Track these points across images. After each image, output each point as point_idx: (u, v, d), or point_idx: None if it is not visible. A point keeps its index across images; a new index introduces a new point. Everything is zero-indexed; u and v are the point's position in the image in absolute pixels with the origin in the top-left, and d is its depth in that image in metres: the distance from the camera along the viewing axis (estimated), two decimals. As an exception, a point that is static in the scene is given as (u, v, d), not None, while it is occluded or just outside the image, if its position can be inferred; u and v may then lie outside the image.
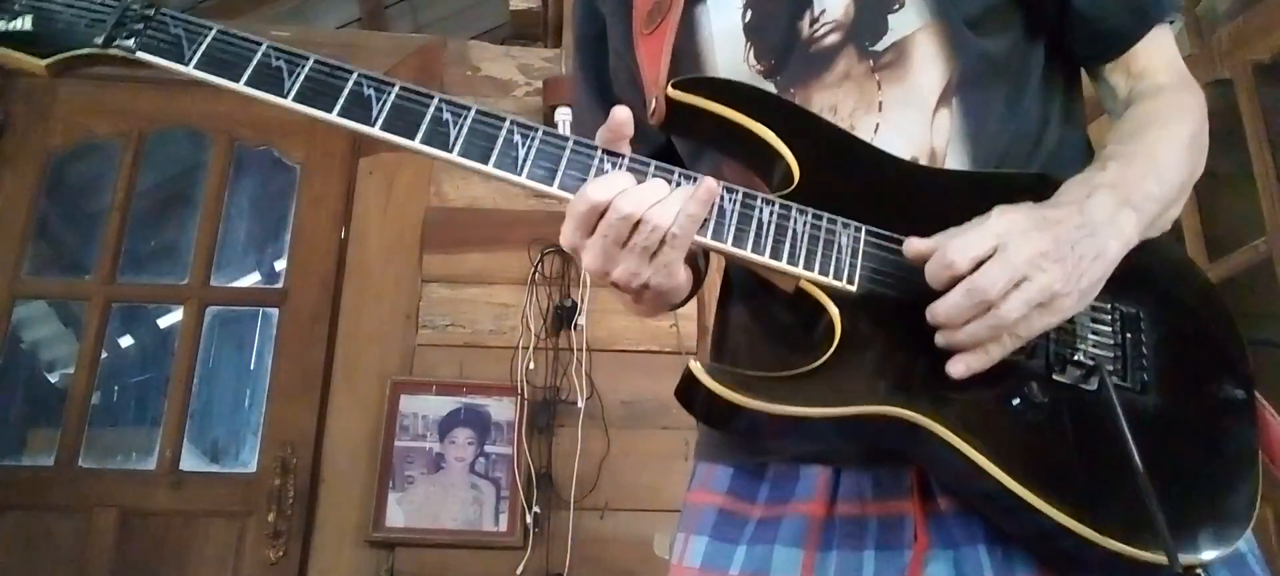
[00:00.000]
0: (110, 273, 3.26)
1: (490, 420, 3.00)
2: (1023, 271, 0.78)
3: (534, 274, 3.14)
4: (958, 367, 0.81)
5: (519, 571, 2.84)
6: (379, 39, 3.83)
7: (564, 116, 3.14)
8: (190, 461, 3.24)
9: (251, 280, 4.56)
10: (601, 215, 0.81)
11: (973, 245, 0.79)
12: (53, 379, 5.12)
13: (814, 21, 0.99)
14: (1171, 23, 1.04)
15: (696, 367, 0.80)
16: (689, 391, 0.81)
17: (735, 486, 0.99)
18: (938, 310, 0.80)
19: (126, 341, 4.94)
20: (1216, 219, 2.79)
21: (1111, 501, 0.79)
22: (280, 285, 3.33)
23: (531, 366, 3.05)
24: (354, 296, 3.18)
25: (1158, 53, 1.02)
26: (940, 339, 0.82)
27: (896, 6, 0.97)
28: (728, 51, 1.02)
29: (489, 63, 3.51)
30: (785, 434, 0.86)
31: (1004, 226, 0.80)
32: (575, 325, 3.10)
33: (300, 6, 4.34)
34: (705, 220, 0.84)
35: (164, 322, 4.81)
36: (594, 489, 2.95)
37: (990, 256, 0.79)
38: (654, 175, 0.84)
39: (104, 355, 3.32)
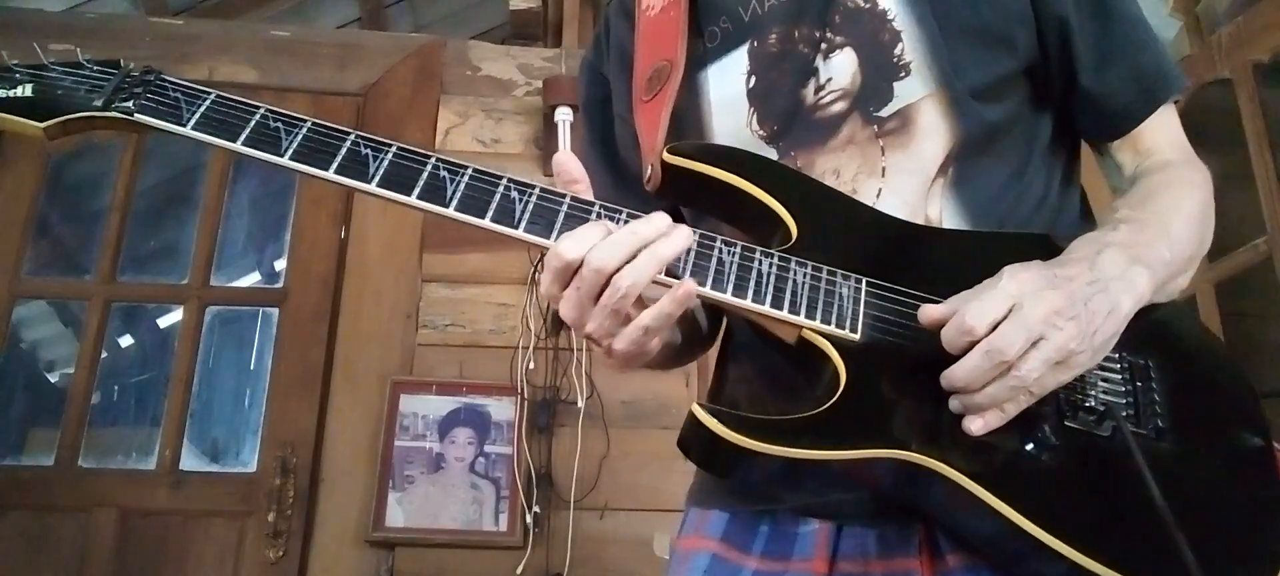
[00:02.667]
0: (110, 272, 3.26)
1: (490, 420, 3.00)
2: (1039, 331, 0.78)
3: (534, 274, 3.14)
4: (975, 425, 0.80)
5: (519, 571, 2.84)
6: (379, 39, 3.83)
7: (564, 117, 3.14)
8: (190, 461, 3.23)
9: (251, 280, 4.56)
10: (575, 271, 0.81)
11: (989, 309, 0.79)
12: (53, 379, 5.12)
13: (819, 89, 0.99)
14: (1176, 101, 1.04)
15: (700, 411, 0.78)
16: (693, 435, 0.79)
17: (730, 533, 0.98)
18: (955, 375, 0.80)
19: (126, 341, 4.94)
20: (1217, 219, 2.79)
21: (1135, 543, 0.78)
22: (280, 285, 3.33)
23: (531, 366, 3.05)
24: (354, 296, 3.18)
25: (1164, 130, 1.02)
26: (956, 403, 0.81)
27: (902, 74, 0.97)
28: (731, 116, 1.03)
29: (489, 62, 3.51)
30: (790, 480, 0.85)
31: (1017, 287, 0.80)
32: (575, 325, 3.10)
33: (300, 6, 4.34)
34: (705, 270, 0.84)
35: (164, 322, 4.81)
36: (594, 489, 2.95)
37: (1005, 318, 0.78)
38: (629, 221, 0.84)
39: (104, 355, 3.31)
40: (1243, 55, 2.81)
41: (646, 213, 0.87)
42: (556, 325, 3.11)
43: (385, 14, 4.56)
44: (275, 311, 3.26)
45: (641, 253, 0.80)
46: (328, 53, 3.47)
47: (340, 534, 2.90)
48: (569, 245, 0.81)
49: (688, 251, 0.84)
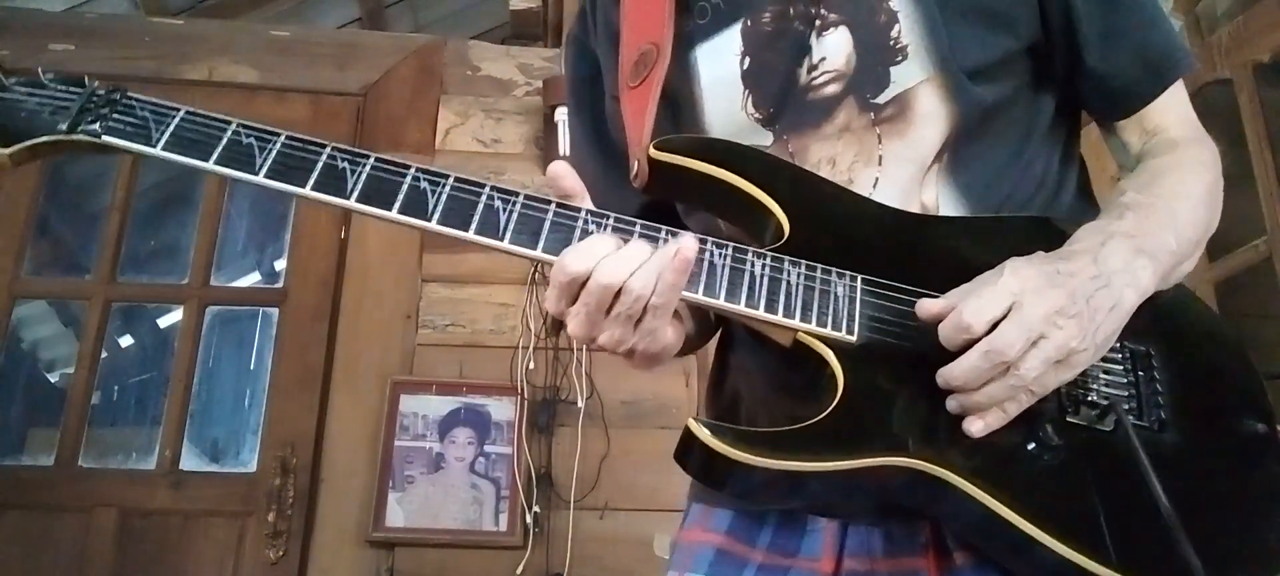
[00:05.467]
0: (110, 272, 3.25)
1: (490, 420, 3.00)
2: (1039, 330, 0.76)
3: (534, 273, 3.14)
4: (975, 426, 0.79)
5: (519, 571, 2.84)
6: (379, 39, 3.83)
7: (564, 117, 3.14)
8: (190, 461, 3.24)
9: (251, 280, 4.57)
10: (582, 285, 0.79)
11: (988, 307, 0.77)
12: (53, 379, 5.12)
13: (812, 69, 0.96)
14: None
15: (696, 425, 0.78)
16: (688, 449, 0.79)
17: (736, 528, 0.97)
18: (953, 373, 0.78)
19: (126, 341, 4.95)
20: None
21: (1137, 543, 0.78)
22: (280, 285, 3.33)
23: (531, 366, 3.05)
24: (354, 296, 3.18)
25: (1172, 108, 0.99)
26: (953, 403, 0.80)
27: (899, 59, 0.94)
28: (724, 99, 0.99)
29: (489, 62, 3.51)
30: (790, 489, 0.83)
31: (1018, 284, 0.78)
32: (575, 325, 3.10)
33: (299, 6, 4.34)
34: (696, 276, 0.82)
35: (164, 322, 4.81)
36: (594, 489, 2.94)
37: (1005, 316, 0.77)
38: (639, 237, 0.82)
39: (104, 355, 3.31)
40: (1243, 55, 2.81)
41: (634, 210, 0.86)
42: (557, 325, 3.11)
43: (385, 14, 4.56)
44: (275, 311, 3.26)
45: (654, 257, 0.79)
46: (328, 53, 3.47)
47: (340, 534, 2.90)
48: (575, 259, 0.78)
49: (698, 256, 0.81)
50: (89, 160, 3.78)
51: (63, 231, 4.14)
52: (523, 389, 3.02)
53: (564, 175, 0.85)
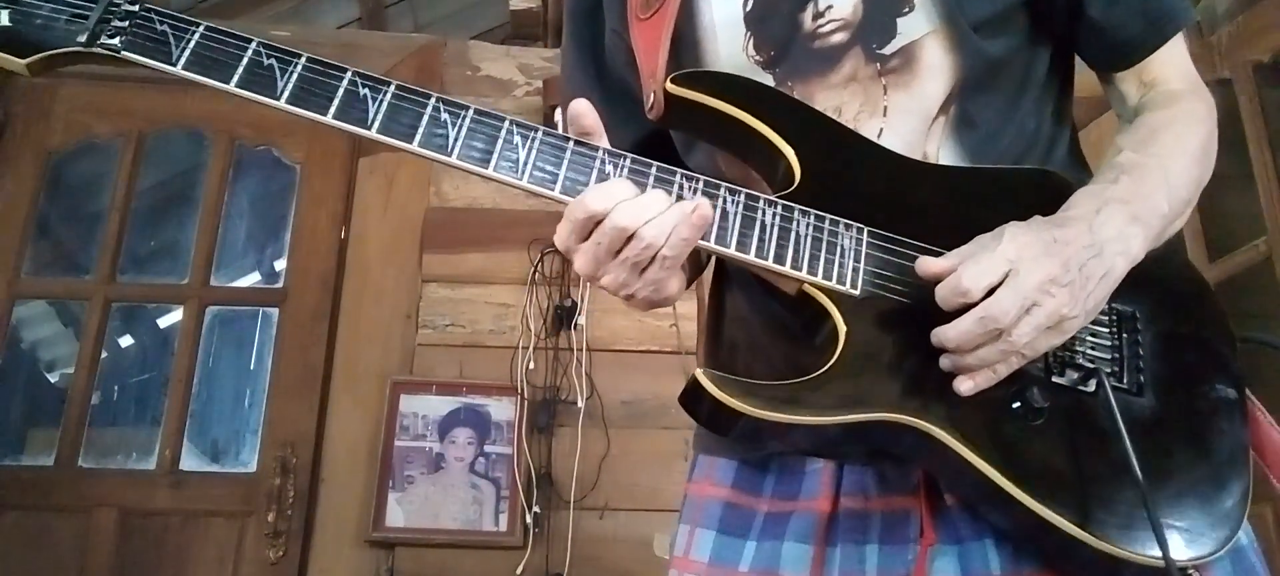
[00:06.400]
0: (110, 273, 3.26)
1: (490, 420, 3.00)
2: (1033, 298, 0.79)
3: (534, 274, 3.14)
4: (965, 386, 0.82)
5: (519, 571, 2.84)
6: (379, 39, 3.83)
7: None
8: (190, 461, 3.23)
9: (251, 280, 4.56)
10: (597, 224, 0.80)
11: (986, 273, 0.80)
12: (53, 379, 5.11)
13: (817, 16, 0.97)
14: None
15: (702, 376, 0.80)
16: (695, 398, 0.81)
17: (740, 480, 1.00)
18: (947, 335, 0.81)
19: (126, 341, 4.95)
20: (1216, 219, 2.79)
21: (1108, 503, 0.81)
22: (280, 285, 3.33)
23: (531, 366, 3.05)
24: (354, 296, 3.18)
25: (1171, 61, 1.00)
26: (946, 362, 0.82)
27: (905, 10, 0.95)
28: (727, 40, 1.00)
29: (489, 63, 3.51)
30: (789, 438, 0.86)
31: (1015, 251, 0.80)
32: (575, 325, 3.10)
33: (300, 6, 4.34)
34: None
35: (164, 322, 4.81)
36: (594, 489, 2.95)
37: (1001, 282, 0.79)
38: (654, 183, 0.83)
39: (104, 355, 3.31)
40: (1243, 55, 2.81)
41: (630, 143, 0.87)
42: (557, 325, 3.11)
43: (385, 14, 4.56)
44: (275, 311, 3.26)
45: (671, 209, 0.81)
46: (328, 53, 3.37)
47: (340, 534, 2.90)
48: (595, 197, 0.80)
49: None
50: (89, 160, 3.77)
51: (63, 231, 4.13)
52: (523, 389, 3.02)
53: (585, 113, 0.85)
